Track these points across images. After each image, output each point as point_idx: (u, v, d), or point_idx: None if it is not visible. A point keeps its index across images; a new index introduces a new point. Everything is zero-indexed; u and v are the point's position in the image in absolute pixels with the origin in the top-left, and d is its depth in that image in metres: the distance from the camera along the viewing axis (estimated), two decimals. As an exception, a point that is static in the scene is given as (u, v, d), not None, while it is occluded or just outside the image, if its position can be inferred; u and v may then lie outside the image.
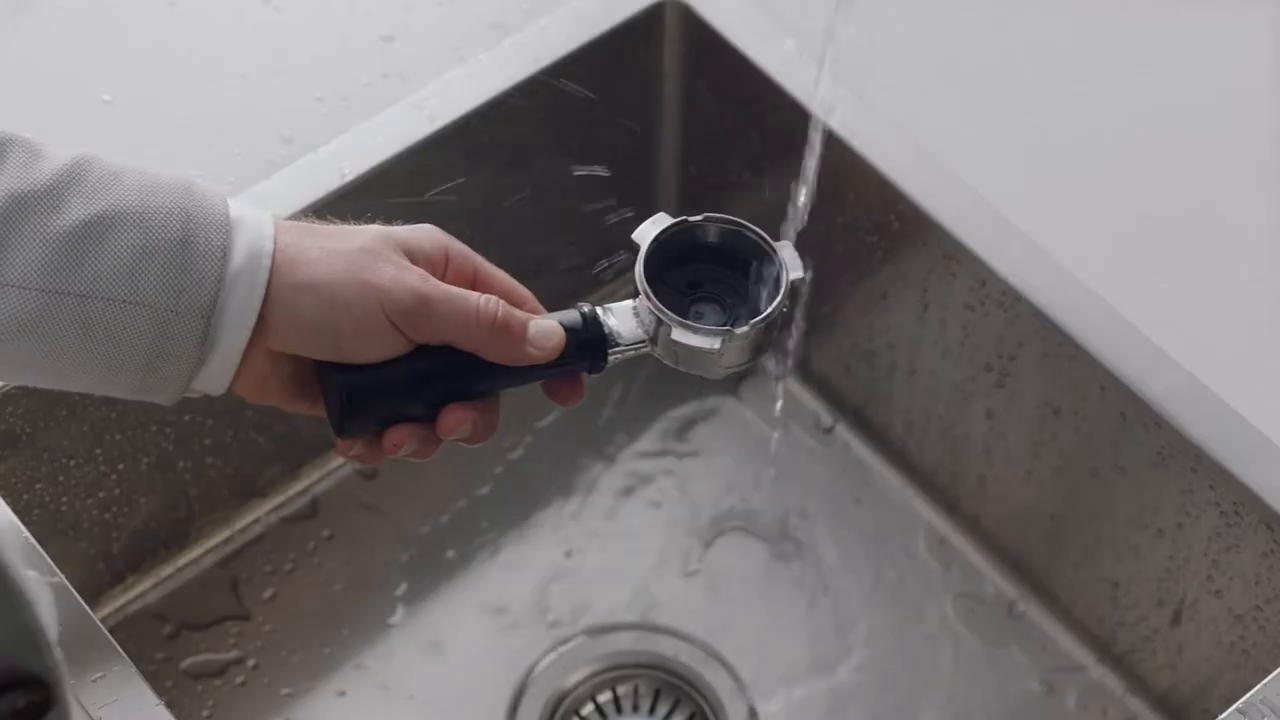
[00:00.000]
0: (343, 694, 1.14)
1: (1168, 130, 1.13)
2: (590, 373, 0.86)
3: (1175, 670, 1.12)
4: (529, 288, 0.88)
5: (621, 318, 0.86)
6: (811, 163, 0.99)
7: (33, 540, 0.95)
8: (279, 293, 0.80)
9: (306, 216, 0.86)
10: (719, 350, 0.84)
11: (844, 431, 1.24)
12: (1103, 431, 1.07)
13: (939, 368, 1.16)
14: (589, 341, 0.85)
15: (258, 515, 1.20)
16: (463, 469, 1.23)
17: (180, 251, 0.79)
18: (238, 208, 0.82)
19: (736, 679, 1.15)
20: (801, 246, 0.87)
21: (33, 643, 0.65)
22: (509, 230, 1.20)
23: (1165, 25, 1.18)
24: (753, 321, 0.84)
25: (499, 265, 0.86)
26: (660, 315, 0.84)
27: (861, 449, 1.24)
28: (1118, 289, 1.06)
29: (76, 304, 0.78)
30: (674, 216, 0.87)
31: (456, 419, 0.84)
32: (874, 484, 1.23)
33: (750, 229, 0.87)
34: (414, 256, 0.83)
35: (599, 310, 0.86)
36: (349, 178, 1.09)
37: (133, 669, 0.90)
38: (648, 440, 1.24)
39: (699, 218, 0.87)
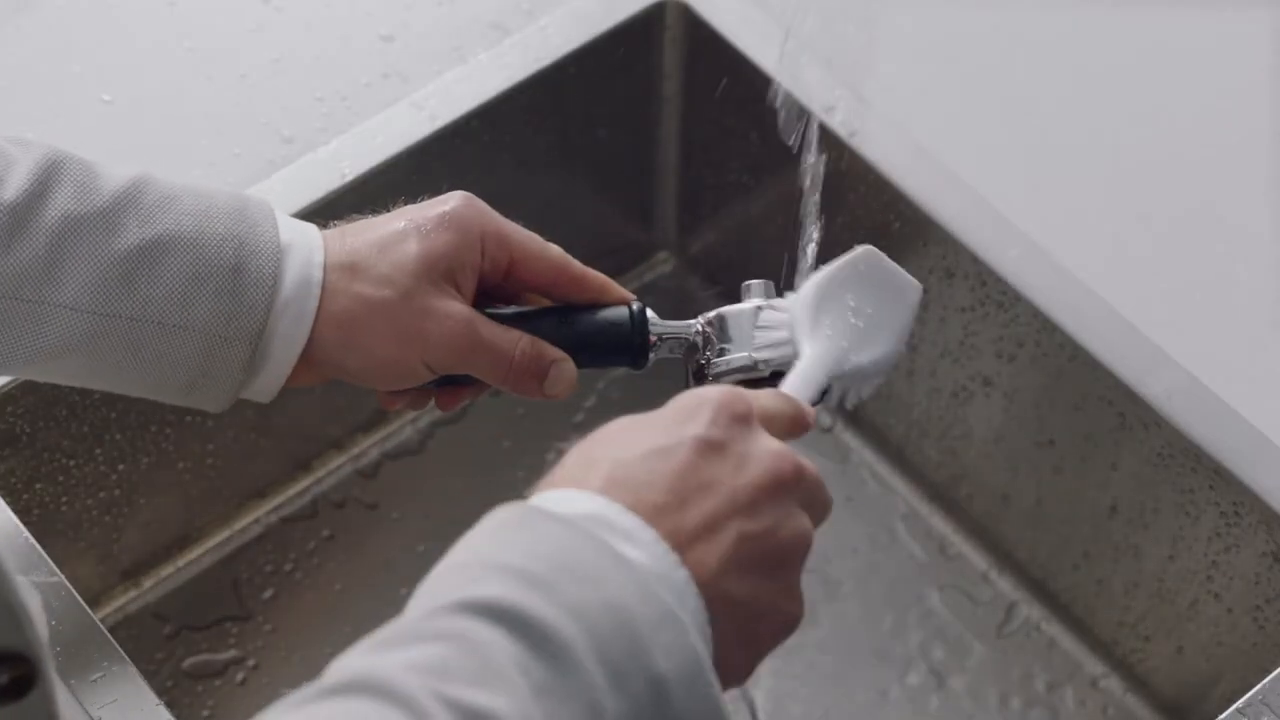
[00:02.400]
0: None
1: (1168, 130, 1.13)
2: (632, 368, 0.88)
3: (1175, 670, 1.12)
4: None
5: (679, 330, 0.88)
6: (812, 167, 0.99)
7: (33, 540, 0.95)
8: (323, 333, 0.82)
9: (345, 217, 0.87)
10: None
11: (843, 431, 1.24)
12: (1102, 431, 1.07)
13: (938, 368, 1.16)
14: (635, 340, 0.87)
15: (258, 515, 1.20)
16: (463, 468, 1.23)
17: (232, 278, 0.80)
18: (288, 230, 0.82)
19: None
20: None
21: (13, 619, 0.65)
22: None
23: (1165, 25, 1.18)
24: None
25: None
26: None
27: (861, 449, 1.24)
28: (1118, 289, 1.06)
29: (127, 327, 0.79)
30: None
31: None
32: (873, 484, 1.23)
33: None
34: (455, 270, 0.83)
35: (649, 312, 0.88)
36: (349, 178, 1.09)
37: (133, 669, 0.90)
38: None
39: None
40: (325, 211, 1.08)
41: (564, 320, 0.87)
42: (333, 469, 1.22)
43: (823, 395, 0.83)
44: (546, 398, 0.86)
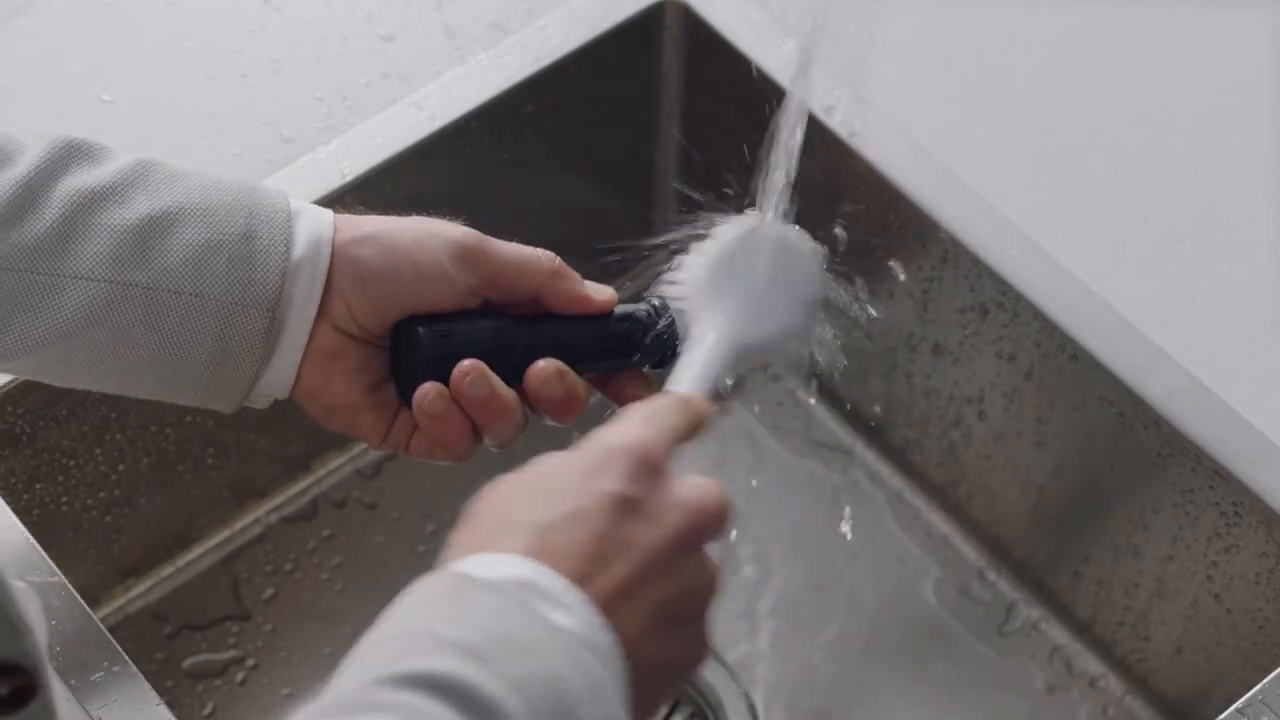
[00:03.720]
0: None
1: (1168, 130, 1.13)
2: (655, 367, 0.86)
3: (1175, 670, 1.12)
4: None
5: None
6: (787, 138, 0.97)
7: (33, 540, 0.95)
8: (340, 249, 0.81)
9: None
10: None
11: (840, 431, 1.24)
12: (1103, 431, 1.07)
13: (938, 368, 1.16)
14: (658, 334, 0.85)
15: (258, 515, 1.20)
16: (464, 468, 1.23)
17: (244, 245, 0.80)
18: (297, 202, 0.83)
19: (737, 679, 1.15)
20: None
21: (12, 630, 0.65)
22: (509, 230, 1.20)
23: (1165, 25, 1.18)
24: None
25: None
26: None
27: (861, 449, 1.24)
28: (1118, 289, 1.06)
29: (144, 295, 0.79)
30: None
31: (543, 370, 0.84)
32: (872, 484, 1.23)
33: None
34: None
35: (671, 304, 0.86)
36: (349, 178, 1.09)
37: (133, 669, 0.90)
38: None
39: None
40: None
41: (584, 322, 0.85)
42: (333, 469, 1.22)
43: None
44: (592, 307, 0.85)
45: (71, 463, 1.09)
